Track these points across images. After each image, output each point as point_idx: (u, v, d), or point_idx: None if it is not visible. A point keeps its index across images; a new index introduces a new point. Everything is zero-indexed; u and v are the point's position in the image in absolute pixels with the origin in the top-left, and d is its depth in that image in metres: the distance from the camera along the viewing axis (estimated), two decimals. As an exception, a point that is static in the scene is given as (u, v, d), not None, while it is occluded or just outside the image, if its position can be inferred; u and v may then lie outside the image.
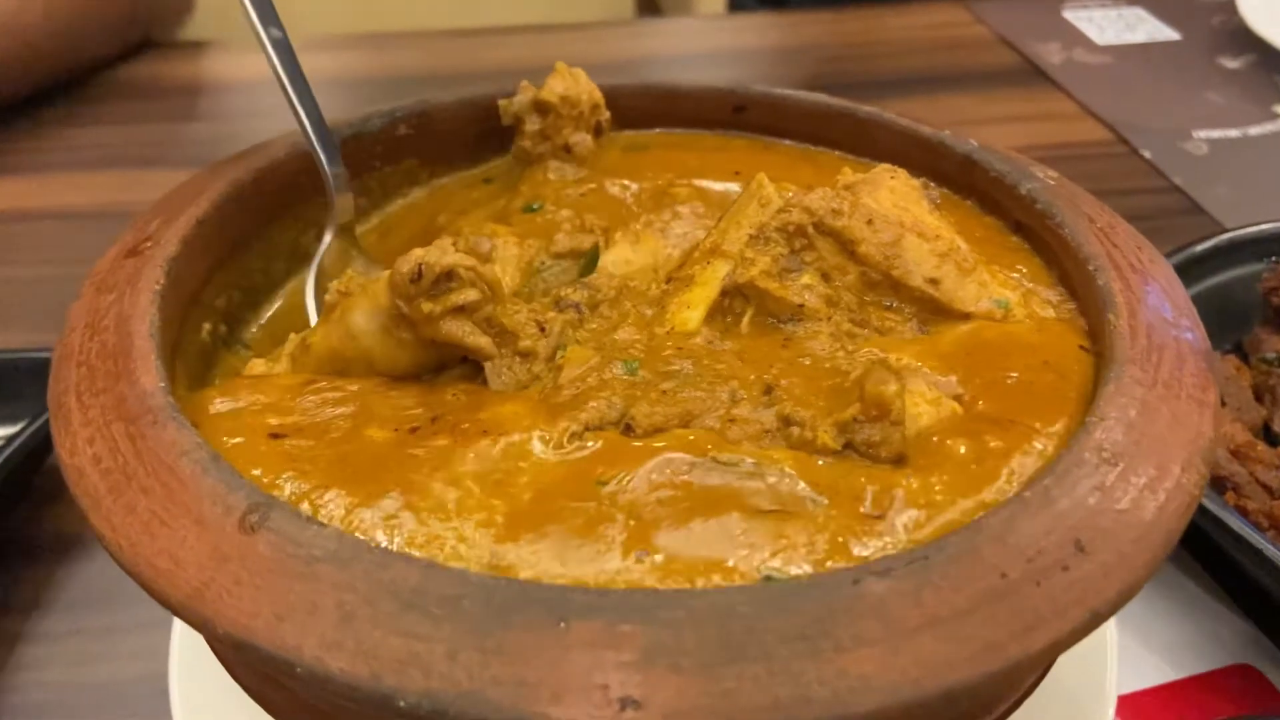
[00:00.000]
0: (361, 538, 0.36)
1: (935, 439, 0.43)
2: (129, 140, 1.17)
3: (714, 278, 0.52)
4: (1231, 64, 1.29)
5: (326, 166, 0.57)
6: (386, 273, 0.46)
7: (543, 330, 0.49)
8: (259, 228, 0.58)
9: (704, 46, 1.42)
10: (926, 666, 0.33)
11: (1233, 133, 1.14)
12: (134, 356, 0.44)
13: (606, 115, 0.66)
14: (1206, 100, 1.21)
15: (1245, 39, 1.31)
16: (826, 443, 0.42)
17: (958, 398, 0.46)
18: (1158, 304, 0.48)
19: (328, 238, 0.58)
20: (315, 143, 0.57)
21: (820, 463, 0.42)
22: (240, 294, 0.57)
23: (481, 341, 0.47)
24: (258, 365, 0.50)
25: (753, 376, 0.47)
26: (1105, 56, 1.32)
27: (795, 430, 0.43)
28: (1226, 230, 0.80)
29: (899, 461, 0.42)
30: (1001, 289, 0.54)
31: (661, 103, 0.69)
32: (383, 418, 0.45)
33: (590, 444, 0.43)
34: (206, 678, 0.53)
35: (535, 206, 0.61)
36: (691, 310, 0.51)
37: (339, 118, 0.62)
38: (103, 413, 0.42)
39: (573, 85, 0.64)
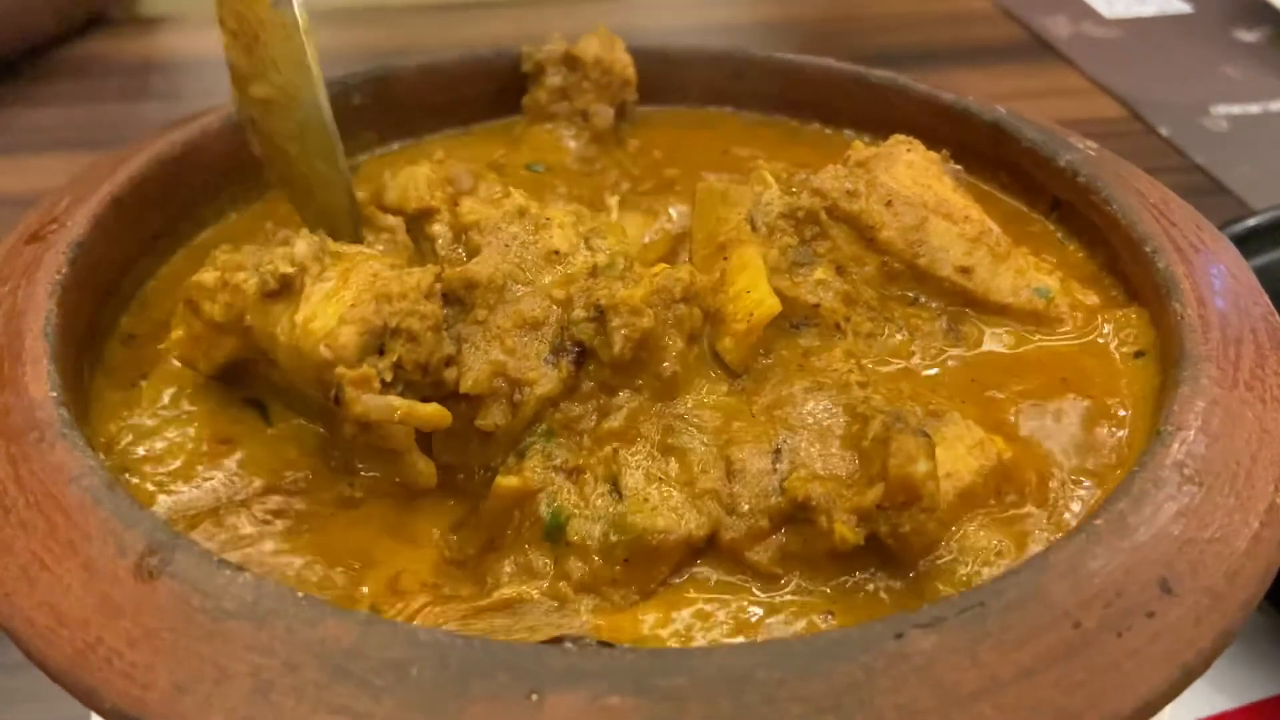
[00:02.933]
0: (286, 587, 0.29)
1: (970, 517, 0.37)
2: (75, 122, 1.08)
3: (753, 259, 0.43)
4: (1248, 37, 1.23)
5: None
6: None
7: (514, 402, 0.38)
8: (190, 208, 0.51)
9: (682, 23, 1.34)
10: (989, 746, 0.26)
11: (1253, 108, 1.08)
12: (23, 360, 0.37)
13: (634, 98, 0.61)
14: (1223, 75, 1.15)
15: (1261, 11, 1.25)
16: (846, 536, 0.34)
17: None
18: (1228, 290, 0.42)
19: None
20: None
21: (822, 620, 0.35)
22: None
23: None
24: None
25: (756, 433, 0.38)
26: (1114, 30, 1.25)
27: (808, 525, 0.35)
28: (1264, 210, 0.73)
29: (928, 551, 0.35)
30: (1040, 274, 0.47)
31: (650, 68, 0.61)
32: None
33: None
34: None
35: (538, 168, 0.57)
36: (754, 291, 0.42)
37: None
38: (-19, 429, 0.35)
39: (608, 51, 0.59)
